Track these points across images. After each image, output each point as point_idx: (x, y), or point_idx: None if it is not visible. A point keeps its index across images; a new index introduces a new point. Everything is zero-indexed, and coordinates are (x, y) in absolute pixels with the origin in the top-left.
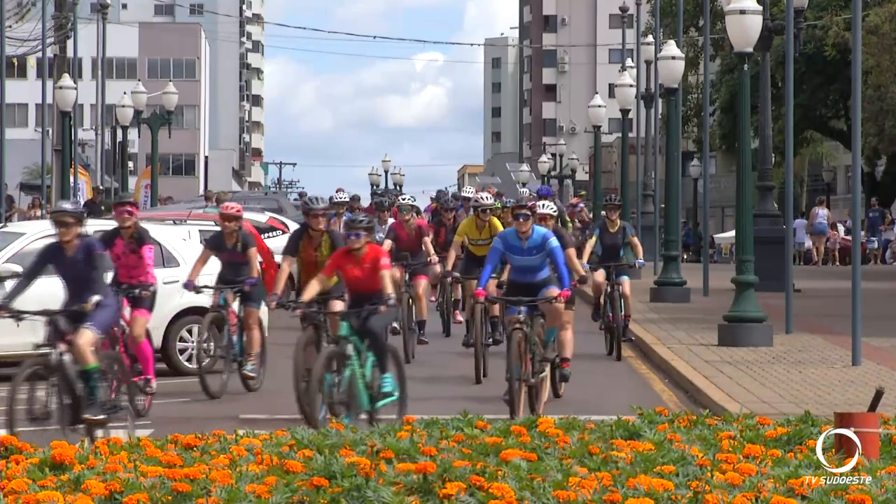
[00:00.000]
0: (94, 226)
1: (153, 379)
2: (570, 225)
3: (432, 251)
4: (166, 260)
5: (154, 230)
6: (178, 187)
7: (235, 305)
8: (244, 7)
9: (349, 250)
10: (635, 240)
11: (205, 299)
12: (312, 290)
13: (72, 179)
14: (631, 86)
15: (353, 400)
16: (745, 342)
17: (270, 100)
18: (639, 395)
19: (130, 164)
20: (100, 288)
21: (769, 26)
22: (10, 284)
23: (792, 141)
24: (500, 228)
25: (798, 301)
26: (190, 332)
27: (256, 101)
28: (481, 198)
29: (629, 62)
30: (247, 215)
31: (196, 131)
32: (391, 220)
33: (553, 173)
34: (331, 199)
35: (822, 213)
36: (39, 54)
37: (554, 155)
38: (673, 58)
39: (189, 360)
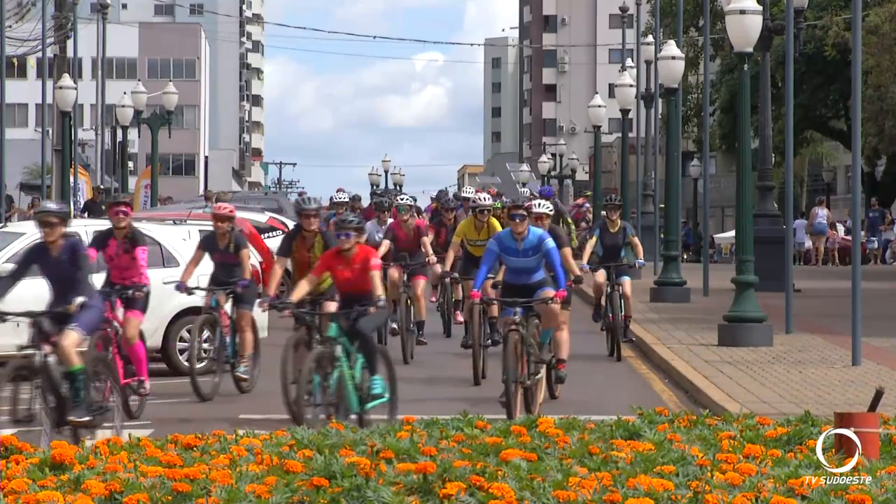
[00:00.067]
0: (94, 226)
1: (147, 380)
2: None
3: (430, 251)
4: (166, 260)
5: (154, 230)
6: (178, 187)
7: (228, 307)
8: (244, 7)
9: (339, 251)
10: (636, 240)
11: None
12: (301, 290)
13: (72, 179)
14: (631, 86)
15: (342, 401)
16: (745, 342)
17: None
18: (639, 395)
19: (130, 164)
20: (84, 289)
21: (769, 26)
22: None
23: (792, 141)
24: (499, 229)
25: (798, 301)
26: (190, 332)
27: (256, 101)
28: (479, 198)
29: (629, 62)
30: (247, 215)
31: (196, 131)
32: (391, 221)
33: (553, 173)
34: (331, 199)
35: (821, 213)
36: (39, 54)
37: (554, 155)
38: (673, 58)
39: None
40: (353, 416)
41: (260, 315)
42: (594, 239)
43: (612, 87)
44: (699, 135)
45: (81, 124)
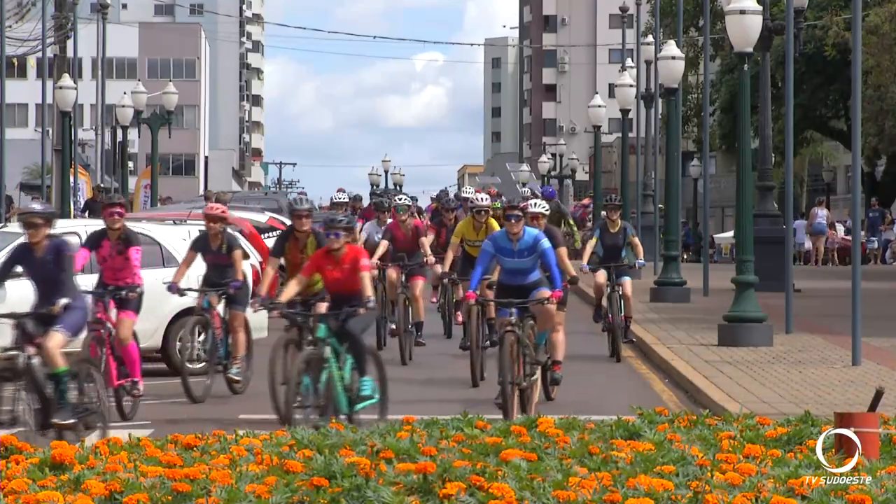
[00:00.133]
0: (94, 225)
1: (140, 381)
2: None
3: (429, 252)
4: (166, 260)
5: (154, 230)
6: (178, 187)
7: (221, 308)
8: (244, 7)
9: (328, 251)
10: (636, 240)
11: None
12: (291, 290)
13: (72, 179)
14: (631, 86)
15: (331, 403)
16: (745, 342)
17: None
18: (639, 395)
19: (130, 164)
20: (69, 290)
21: (769, 26)
22: (9, 285)
23: (792, 141)
24: (498, 229)
25: (798, 301)
26: (194, 331)
27: (256, 101)
28: (477, 199)
29: (629, 62)
30: (247, 215)
31: (196, 131)
32: (390, 221)
33: (553, 173)
34: (331, 199)
35: (821, 213)
36: (39, 54)
37: (554, 155)
38: (673, 58)
39: (189, 360)
40: (343, 418)
41: (260, 315)
42: (594, 239)
43: (612, 87)
44: (699, 135)
45: (81, 124)
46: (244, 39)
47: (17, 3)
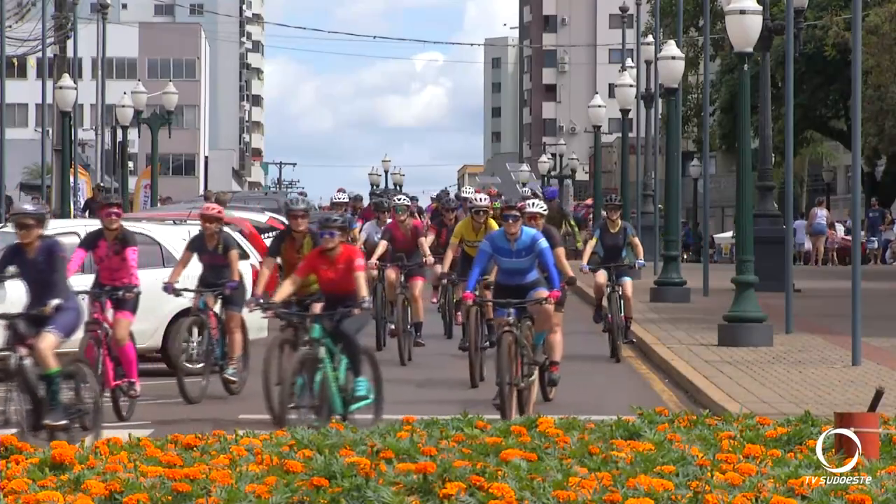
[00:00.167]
0: (94, 224)
1: (137, 382)
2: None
3: (428, 252)
4: (166, 260)
5: (154, 230)
6: (178, 187)
7: (217, 308)
8: (244, 7)
9: (323, 251)
10: (636, 240)
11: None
12: (285, 290)
13: (72, 179)
14: (631, 86)
15: (326, 403)
16: (745, 342)
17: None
18: (639, 395)
19: (130, 164)
20: (61, 291)
21: (769, 26)
22: (9, 285)
23: (792, 141)
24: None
25: (798, 301)
26: (190, 331)
27: (256, 101)
28: (476, 199)
29: (629, 62)
30: (247, 215)
31: (196, 131)
32: (389, 221)
33: (553, 173)
34: (332, 199)
35: (820, 213)
36: (39, 54)
37: (554, 155)
38: (673, 58)
39: (189, 360)
40: (337, 419)
41: (259, 315)
42: (594, 240)
43: (612, 87)
44: (699, 135)
45: (81, 124)
46: (244, 39)
47: (17, 3)
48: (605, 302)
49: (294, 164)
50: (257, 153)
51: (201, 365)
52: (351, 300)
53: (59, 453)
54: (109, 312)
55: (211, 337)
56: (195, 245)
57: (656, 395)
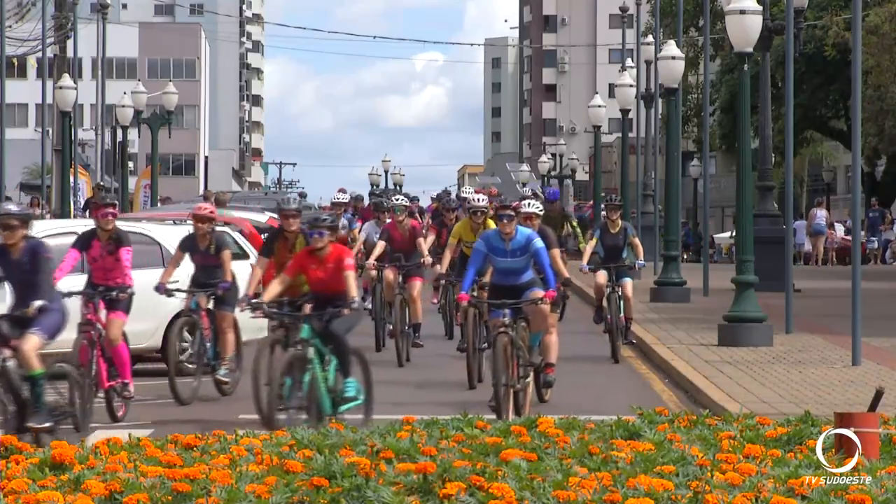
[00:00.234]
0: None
1: (131, 383)
2: (577, 228)
3: (426, 252)
4: (166, 260)
5: (154, 230)
6: (178, 187)
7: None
8: (244, 7)
9: (312, 250)
10: (636, 240)
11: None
12: (273, 290)
13: (72, 179)
14: (631, 86)
15: (314, 404)
16: (745, 342)
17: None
18: (639, 395)
19: (130, 164)
20: (45, 292)
21: (769, 26)
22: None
23: (792, 141)
24: None
25: (798, 301)
26: (190, 332)
27: (256, 101)
28: (475, 199)
29: (629, 62)
30: (247, 215)
31: (196, 131)
32: (388, 221)
33: (553, 173)
34: (332, 199)
35: (820, 213)
36: (39, 54)
37: (554, 155)
38: (673, 58)
39: (189, 360)
40: (326, 419)
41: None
42: (594, 240)
43: (612, 87)
44: (699, 135)
45: (81, 124)
46: (244, 39)
47: (17, 3)
48: (605, 303)
49: (294, 164)
50: (257, 153)
51: (194, 367)
52: (341, 300)
53: (59, 453)
54: (102, 313)
55: (203, 338)
56: (187, 245)
57: (656, 395)
